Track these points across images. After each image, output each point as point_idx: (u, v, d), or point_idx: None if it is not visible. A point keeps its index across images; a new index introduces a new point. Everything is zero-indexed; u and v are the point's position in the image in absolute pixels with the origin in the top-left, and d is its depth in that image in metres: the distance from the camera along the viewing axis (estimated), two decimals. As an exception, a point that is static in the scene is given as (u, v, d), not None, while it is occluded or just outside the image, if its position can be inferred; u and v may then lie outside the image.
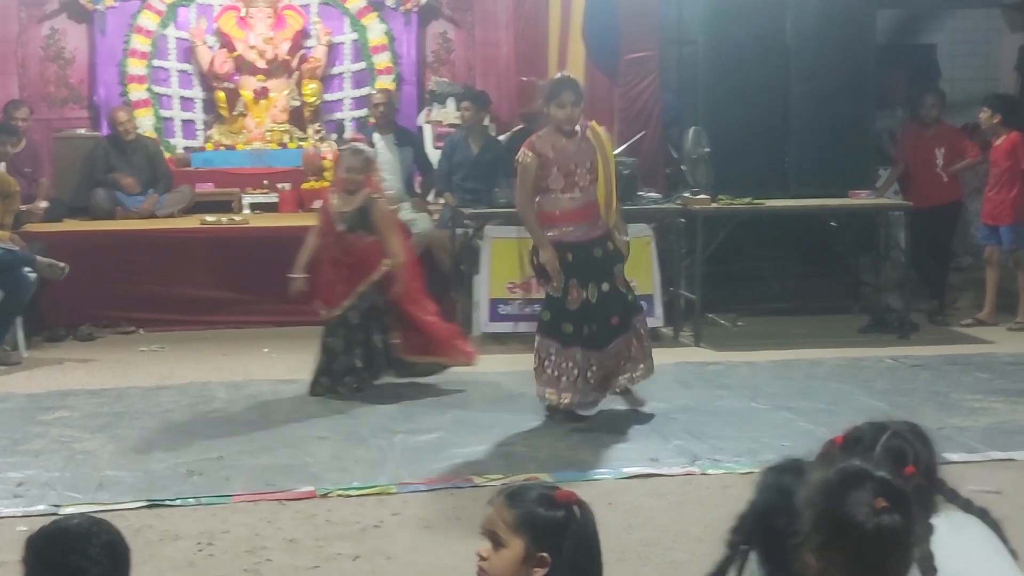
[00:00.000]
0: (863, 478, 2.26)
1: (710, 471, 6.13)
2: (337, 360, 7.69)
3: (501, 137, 10.73)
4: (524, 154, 7.02)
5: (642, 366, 7.16)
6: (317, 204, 7.96)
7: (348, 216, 7.59)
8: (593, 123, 7.25)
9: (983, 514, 2.92)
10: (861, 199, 9.85)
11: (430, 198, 10.55)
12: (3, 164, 9.82)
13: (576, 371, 6.95)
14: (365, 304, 7.65)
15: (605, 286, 7.01)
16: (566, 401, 7.00)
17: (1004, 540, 2.89)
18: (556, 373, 6.98)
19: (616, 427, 6.97)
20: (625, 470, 6.17)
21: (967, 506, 2.91)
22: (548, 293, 7.09)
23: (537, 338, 7.11)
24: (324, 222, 7.75)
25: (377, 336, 7.71)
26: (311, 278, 7.73)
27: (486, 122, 10.80)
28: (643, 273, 9.03)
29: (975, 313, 10.00)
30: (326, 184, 11.27)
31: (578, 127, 7.05)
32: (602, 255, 7.04)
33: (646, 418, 7.14)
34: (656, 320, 9.12)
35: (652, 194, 9.53)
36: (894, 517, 2.20)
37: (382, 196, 7.85)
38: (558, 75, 7.34)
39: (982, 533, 2.88)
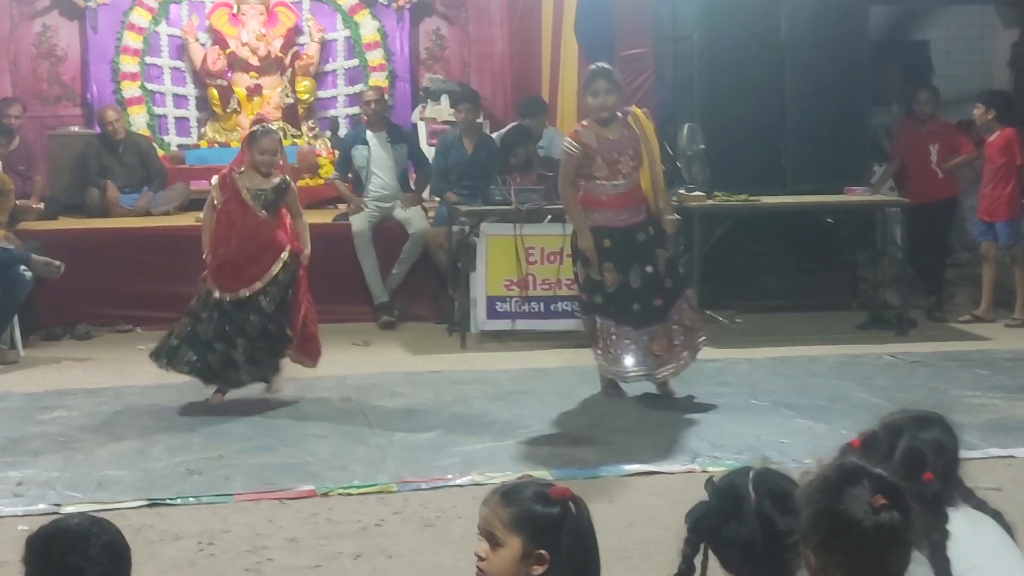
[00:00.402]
0: (861, 476, 2.25)
1: (710, 468, 6.10)
2: (212, 351, 7.25)
3: (495, 134, 10.70)
4: (570, 144, 7.29)
5: (685, 353, 7.39)
6: (214, 179, 7.49)
7: (264, 196, 7.31)
8: (634, 108, 7.47)
9: (998, 516, 2.92)
10: (857, 195, 9.86)
11: (425, 195, 10.51)
12: (-1, 163, 9.81)
13: (634, 345, 7.25)
14: (277, 291, 7.33)
15: (649, 268, 7.27)
16: (638, 372, 7.29)
17: (1016, 543, 2.90)
18: (619, 351, 7.26)
19: (616, 425, 6.97)
20: (625, 468, 6.15)
21: (982, 506, 2.91)
22: (590, 276, 7.31)
23: (597, 319, 7.34)
24: (231, 200, 7.31)
25: (273, 327, 7.35)
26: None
27: (479, 119, 10.79)
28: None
29: (972, 309, 10.00)
30: (321, 181, 11.33)
31: (619, 113, 7.28)
32: (645, 239, 7.29)
33: (650, 413, 7.16)
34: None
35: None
36: (892, 514, 2.19)
37: (293, 180, 7.71)
38: (593, 66, 7.57)
39: (996, 532, 2.89)
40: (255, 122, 7.92)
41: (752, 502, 2.52)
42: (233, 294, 7.26)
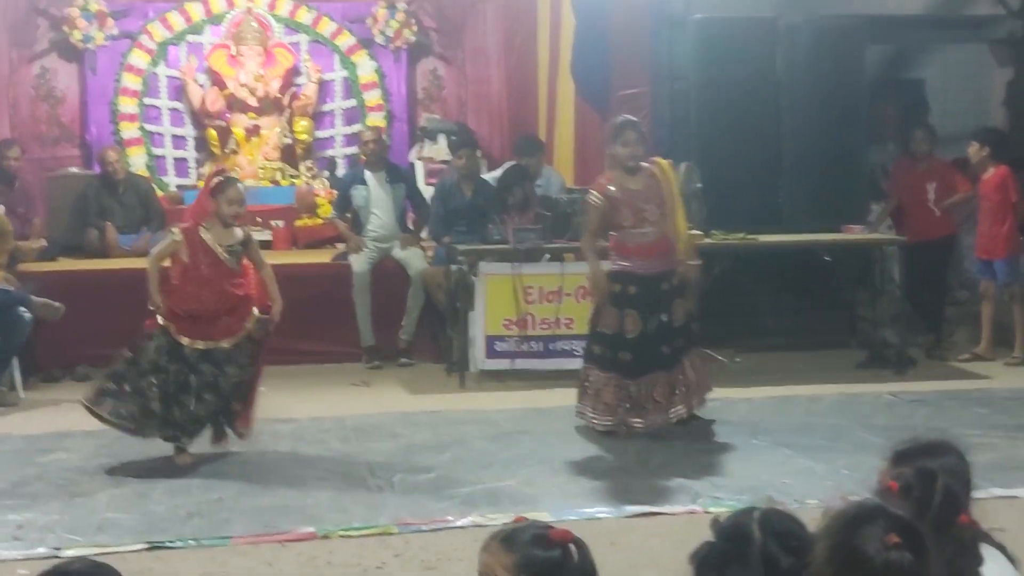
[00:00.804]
0: (879, 514, 2.27)
1: (712, 509, 6.09)
2: (179, 406, 6.90)
3: (493, 173, 10.71)
4: (595, 196, 7.54)
5: (681, 406, 7.59)
6: (175, 233, 7.06)
7: (234, 249, 7.03)
8: (659, 159, 7.72)
9: (1002, 549, 2.94)
10: (855, 234, 9.88)
11: (424, 235, 10.52)
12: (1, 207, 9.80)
13: (629, 402, 7.49)
14: (250, 347, 7.06)
15: (664, 316, 7.49)
16: (630, 425, 7.49)
17: None
18: (614, 402, 7.49)
19: (616, 465, 6.96)
20: (626, 508, 6.14)
21: (987, 539, 2.93)
22: (600, 329, 7.58)
23: (592, 370, 7.59)
24: (198, 253, 6.96)
25: (234, 381, 7.04)
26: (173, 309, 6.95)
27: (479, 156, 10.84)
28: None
29: (972, 348, 10.01)
30: (319, 221, 11.34)
31: (644, 164, 7.56)
32: (667, 288, 7.54)
33: (651, 454, 7.16)
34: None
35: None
36: (904, 554, 2.20)
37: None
38: (620, 118, 7.86)
39: (1008, 568, 2.90)
40: (215, 173, 7.40)
41: (757, 543, 2.50)
42: (213, 343, 6.94)
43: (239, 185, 7.24)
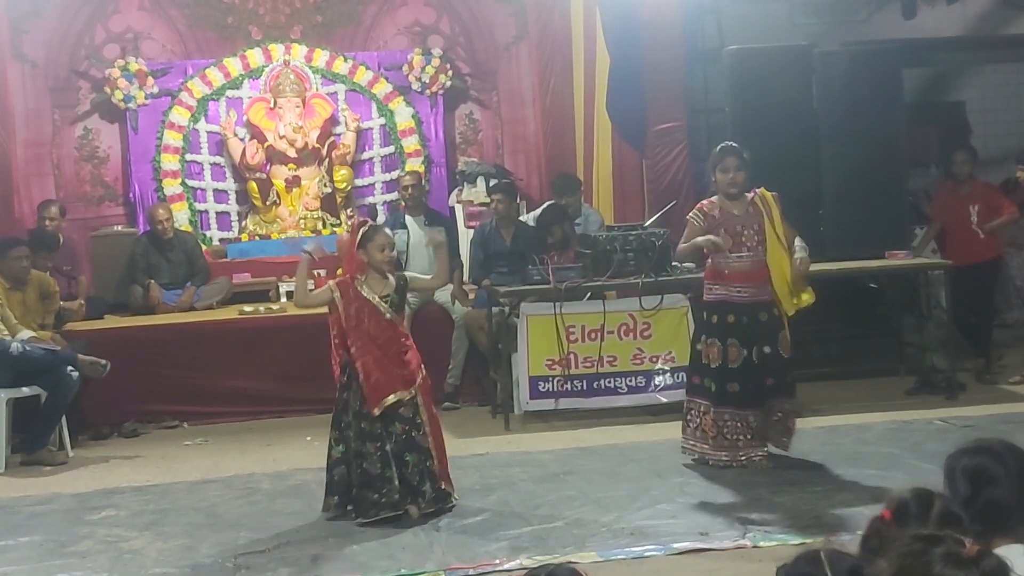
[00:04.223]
0: (938, 538, 2.30)
1: (762, 543, 6.02)
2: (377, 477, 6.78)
3: (531, 214, 10.72)
4: (695, 215, 7.56)
5: (765, 449, 7.58)
6: (331, 286, 6.83)
7: (392, 300, 6.79)
8: (762, 190, 7.62)
9: None
10: (899, 259, 9.78)
11: (465, 278, 10.54)
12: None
13: (750, 433, 7.46)
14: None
15: (767, 348, 7.45)
16: (750, 457, 7.46)
17: None
18: (734, 436, 7.46)
19: (664, 502, 6.89)
20: (675, 545, 6.06)
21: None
22: (703, 362, 7.52)
23: (713, 409, 7.49)
24: (361, 310, 6.75)
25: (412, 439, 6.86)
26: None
27: (516, 202, 10.84)
28: (680, 344, 8.99)
29: (1023, 370, 9.87)
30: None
31: (747, 194, 7.52)
32: (767, 318, 7.50)
33: (698, 489, 7.10)
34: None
35: (687, 264, 9.49)
36: (993, 559, 2.23)
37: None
38: (722, 144, 7.74)
39: None
40: (358, 225, 6.97)
41: None
42: (404, 391, 6.79)
43: (385, 230, 7.09)
